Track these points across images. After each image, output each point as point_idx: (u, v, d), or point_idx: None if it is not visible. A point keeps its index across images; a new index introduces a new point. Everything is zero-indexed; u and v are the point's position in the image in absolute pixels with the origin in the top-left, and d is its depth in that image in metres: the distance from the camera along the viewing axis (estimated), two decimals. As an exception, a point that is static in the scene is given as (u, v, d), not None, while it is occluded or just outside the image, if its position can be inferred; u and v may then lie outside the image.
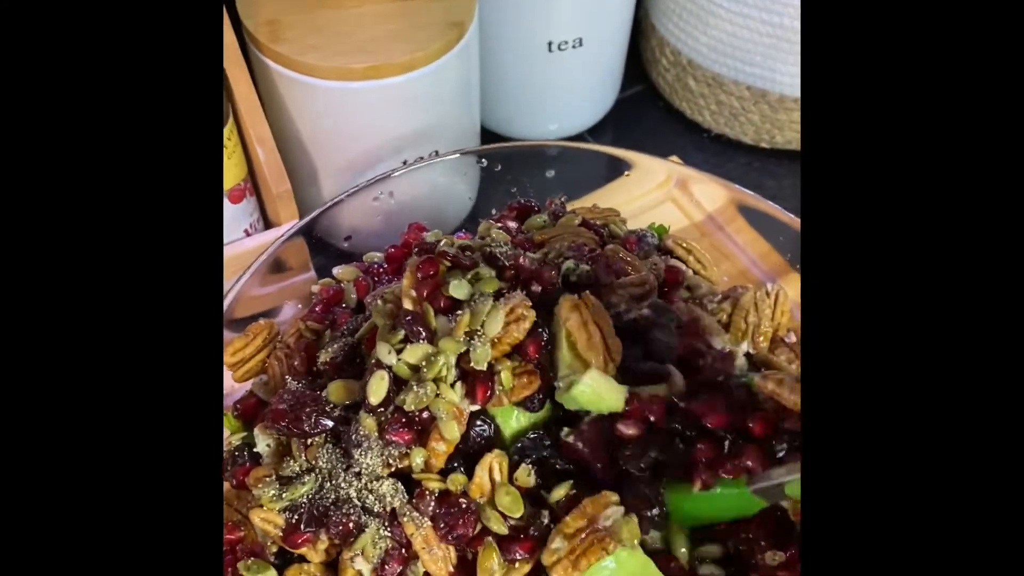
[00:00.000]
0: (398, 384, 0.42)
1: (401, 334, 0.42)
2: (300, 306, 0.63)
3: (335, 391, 0.42)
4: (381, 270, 0.54)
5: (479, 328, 0.41)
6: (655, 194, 0.70)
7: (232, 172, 0.63)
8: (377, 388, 0.40)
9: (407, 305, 0.43)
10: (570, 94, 0.86)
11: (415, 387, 0.40)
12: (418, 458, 0.41)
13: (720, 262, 0.64)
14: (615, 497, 0.38)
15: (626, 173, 0.62)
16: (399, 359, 0.41)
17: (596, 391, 0.40)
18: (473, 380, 0.41)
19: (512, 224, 0.55)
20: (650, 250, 0.53)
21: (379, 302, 0.45)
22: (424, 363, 0.41)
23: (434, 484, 0.41)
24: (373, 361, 0.42)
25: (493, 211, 0.58)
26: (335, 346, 0.46)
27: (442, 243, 0.46)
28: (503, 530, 0.39)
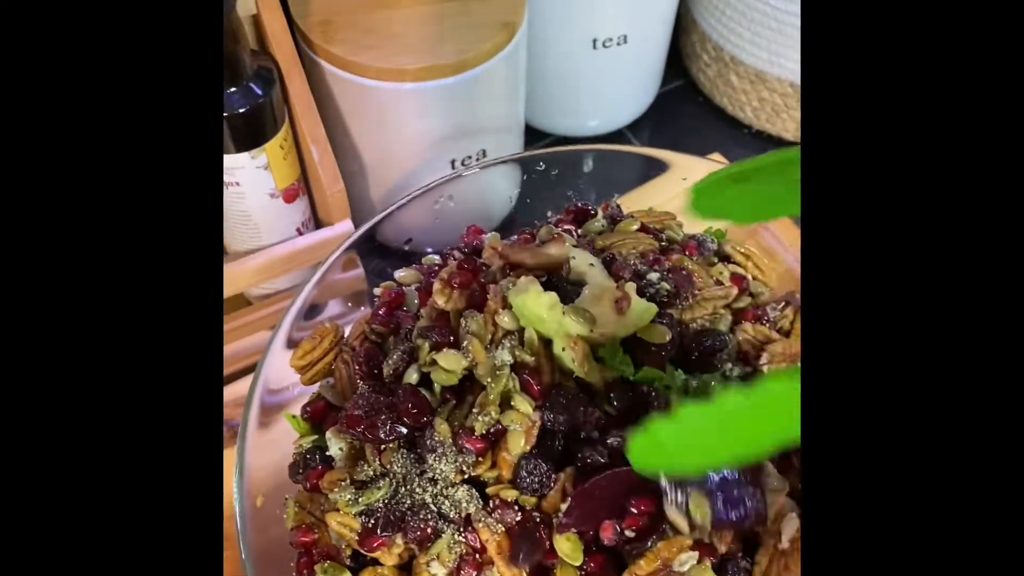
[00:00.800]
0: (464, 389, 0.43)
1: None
2: (350, 304, 0.64)
3: (442, 428, 0.42)
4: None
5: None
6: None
7: (287, 172, 0.63)
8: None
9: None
10: (612, 90, 0.86)
11: (481, 411, 0.41)
12: (489, 467, 0.42)
13: (765, 261, 0.64)
14: (689, 542, 0.39)
15: (652, 172, 0.63)
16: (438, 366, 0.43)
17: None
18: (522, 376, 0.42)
19: (569, 227, 0.56)
20: (710, 256, 0.53)
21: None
22: (489, 379, 0.42)
23: (508, 494, 0.41)
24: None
25: (549, 213, 0.59)
26: (395, 356, 0.46)
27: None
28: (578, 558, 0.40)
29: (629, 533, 0.39)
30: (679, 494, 0.39)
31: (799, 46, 0.81)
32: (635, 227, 0.53)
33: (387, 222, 0.60)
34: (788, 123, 0.88)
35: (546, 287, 0.44)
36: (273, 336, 0.53)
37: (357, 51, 0.64)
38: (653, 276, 0.46)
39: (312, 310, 0.62)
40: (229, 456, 0.54)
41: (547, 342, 0.43)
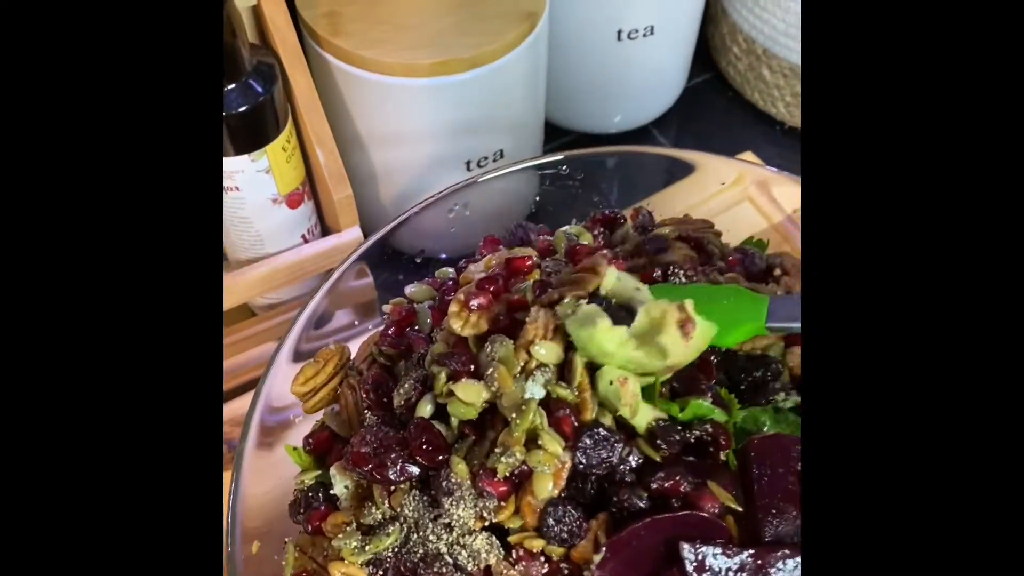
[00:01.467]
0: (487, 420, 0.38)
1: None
2: (359, 317, 0.59)
3: (459, 468, 0.38)
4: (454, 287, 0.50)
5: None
6: (730, 193, 0.66)
7: (291, 176, 0.59)
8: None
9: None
10: (637, 85, 0.81)
11: (505, 451, 0.37)
12: (512, 513, 0.37)
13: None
14: None
15: (676, 173, 0.58)
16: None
17: None
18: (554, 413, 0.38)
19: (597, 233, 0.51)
20: (757, 272, 0.48)
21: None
22: (514, 414, 0.37)
23: (533, 544, 0.37)
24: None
25: (574, 220, 0.54)
26: (407, 385, 0.41)
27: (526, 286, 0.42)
28: None
29: None
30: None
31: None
32: (673, 235, 0.48)
33: (399, 230, 0.55)
34: (824, 119, 0.83)
35: None
36: (278, 349, 0.48)
37: (366, 44, 0.60)
38: None
39: (319, 321, 0.58)
40: (226, 479, 0.50)
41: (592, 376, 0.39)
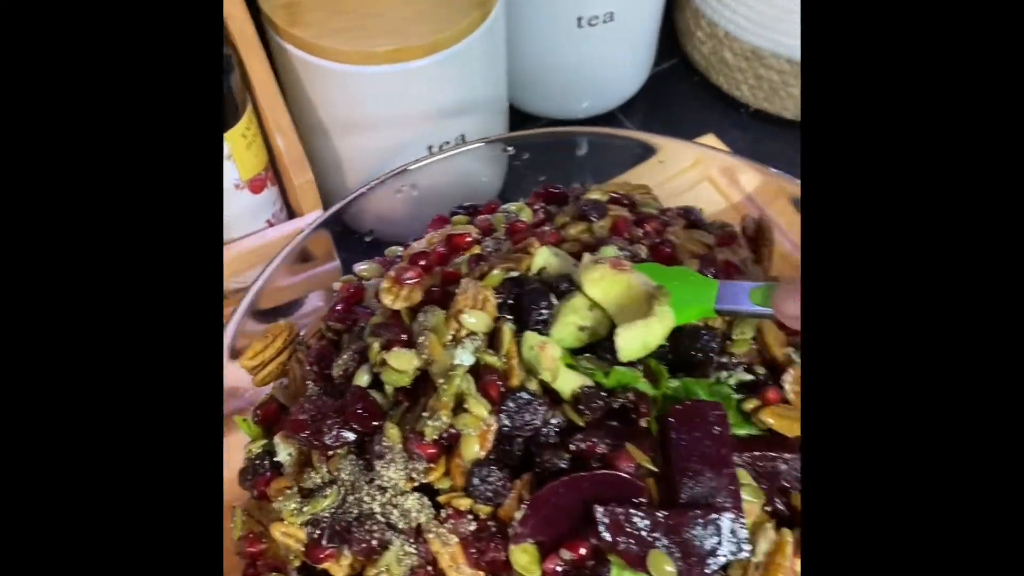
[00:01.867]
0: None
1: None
2: (324, 301, 0.61)
3: (392, 433, 0.39)
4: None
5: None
6: (691, 174, 0.68)
7: (252, 162, 0.61)
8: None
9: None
10: (601, 71, 0.83)
11: (432, 415, 0.39)
12: (441, 474, 0.39)
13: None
14: None
15: (658, 160, 0.59)
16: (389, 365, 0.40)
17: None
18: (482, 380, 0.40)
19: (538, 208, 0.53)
20: (699, 222, 0.50)
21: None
22: (442, 380, 0.39)
23: (461, 503, 0.39)
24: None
25: (521, 200, 0.56)
26: (346, 356, 0.43)
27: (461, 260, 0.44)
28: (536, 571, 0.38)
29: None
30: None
31: (796, 21, 0.77)
32: (605, 198, 0.50)
33: (356, 213, 0.57)
34: (787, 101, 0.84)
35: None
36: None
37: (324, 34, 0.61)
38: (641, 251, 0.43)
39: (293, 305, 0.60)
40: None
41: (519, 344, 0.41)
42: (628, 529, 0.36)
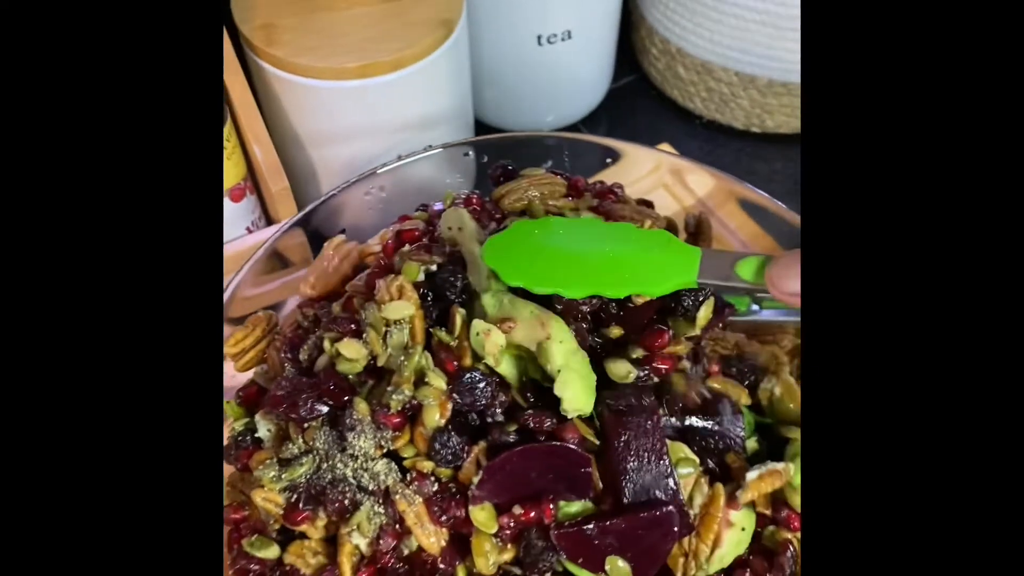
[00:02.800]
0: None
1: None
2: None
3: (361, 407, 0.44)
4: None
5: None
6: (647, 181, 0.72)
7: (232, 172, 0.65)
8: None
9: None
10: (562, 86, 0.88)
11: (396, 389, 0.43)
12: (406, 442, 0.43)
13: (713, 246, 0.66)
14: None
15: (608, 160, 0.64)
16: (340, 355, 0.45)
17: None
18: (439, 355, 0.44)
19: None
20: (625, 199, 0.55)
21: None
22: (402, 357, 0.44)
23: (424, 466, 0.43)
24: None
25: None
26: (309, 343, 0.48)
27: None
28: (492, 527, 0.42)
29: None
30: None
31: (740, 35, 0.82)
32: (540, 172, 0.55)
33: (329, 217, 0.61)
34: (736, 112, 0.90)
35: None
36: None
37: (299, 53, 0.66)
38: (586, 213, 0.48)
39: (274, 308, 0.64)
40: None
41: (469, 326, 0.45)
42: (584, 545, 0.40)
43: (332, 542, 0.44)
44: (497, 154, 0.66)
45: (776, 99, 0.86)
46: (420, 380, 0.44)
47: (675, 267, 0.43)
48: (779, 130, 0.90)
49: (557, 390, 0.41)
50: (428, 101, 0.71)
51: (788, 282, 0.33)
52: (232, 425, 0.49)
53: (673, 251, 0.44)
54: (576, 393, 0.42)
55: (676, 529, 0.41)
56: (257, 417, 0.47)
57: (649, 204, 0.59)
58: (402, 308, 0.44)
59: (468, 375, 0.43)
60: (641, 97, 0.97)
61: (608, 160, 0.65)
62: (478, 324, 0.44)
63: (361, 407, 0.43)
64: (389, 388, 0.43)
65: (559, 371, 0.42)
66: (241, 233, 0.69)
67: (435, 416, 0.43)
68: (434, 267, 0.46)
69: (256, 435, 0.47)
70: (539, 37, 0.81)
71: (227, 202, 0.66)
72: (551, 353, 0.42)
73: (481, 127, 0.89)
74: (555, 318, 0.43)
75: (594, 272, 0.44)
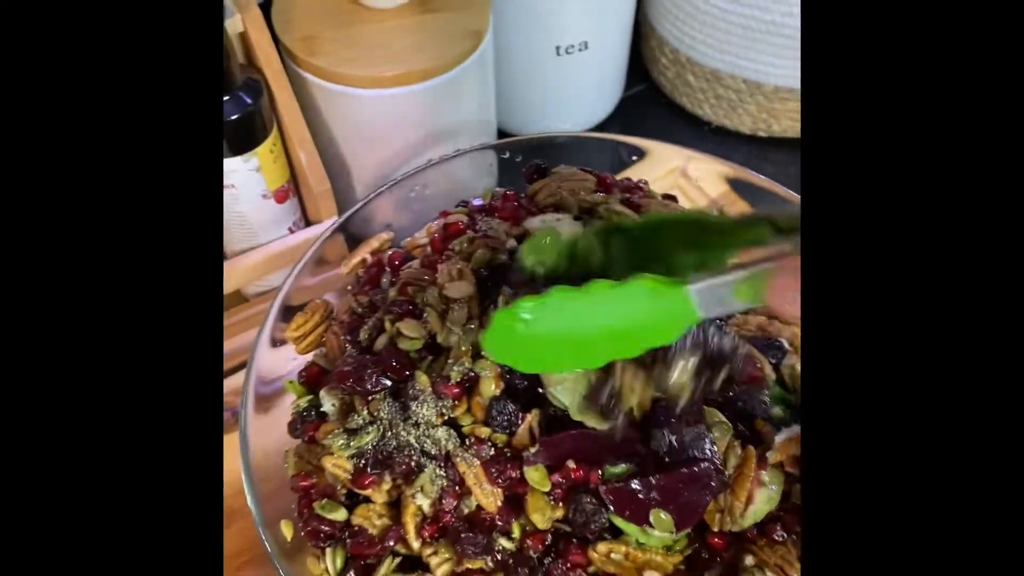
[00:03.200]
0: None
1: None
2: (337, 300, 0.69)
3: (422, 379, 0.48)
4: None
5: None
6: (660, 184, 0.77)
7: (277, 174, 0.69)
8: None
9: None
10: (577, 94, 0.93)
11: (456, 362, 0.47)
12: (465, 411, 0.47)
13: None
14: None
15: (634, 158, 0.68)
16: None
17: None
18: None
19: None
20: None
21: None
22: (461, 332, 0.48)
23: (481, 432, 0.47)
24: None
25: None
26: (368, 325, 0.52)
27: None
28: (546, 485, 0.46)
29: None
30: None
31: (747, 44, 0.87)
32: (572, 169, 0.59)
33: (365, 216, 0.65)
34: (744, 117, 0.94)
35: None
36: (259, 334, 0.57)
37: (338, 63, 0.70)
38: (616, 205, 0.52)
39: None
40: (232, 439, 0.59)
41: None
42: (630, 500, 0.44)
43: (395, 506, 0.48)
44: (525, 156, 0.71)
45: (782, 104, 0.91)
46: (477, 354, 0.48)
47: (674, 312, 0.39)
48: (785, 134, 0.94)
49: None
50: (457, 108, 0.76)
51: (789, 308, 0.32)
52: (296, 402, 0.53)
53: (661, 295, 0.39)
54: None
55: (713, 484, 0.45)
56: (322, 393, 0.51)
57: (673, 199, 0.64)
58: (462, 288, 0.48)
59: None
60: (652, 105, 1.02)
61: (634, 158, 0.69)
62: None
63: (423, 379, 0.47)
64: (449, 361, 0.47)
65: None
66: (284, 233, 0.73)
67: (491, 386, 0.47)
68: (503, 257, 0.51)
69: (321, 410, 0.51)
70: (558, 48, 0.86)
71: (272, 203, 0.70)
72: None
73: (502, 133, 0.93)
74: None
75: (603, 346, 0.42)
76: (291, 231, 0.74)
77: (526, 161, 0.64)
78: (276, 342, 0.59)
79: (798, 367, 0.52)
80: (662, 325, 0.40)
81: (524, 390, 0.47)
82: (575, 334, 0.41)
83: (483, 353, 0.47)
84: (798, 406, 0.51)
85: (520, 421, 0.47)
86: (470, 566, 0.45)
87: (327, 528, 0.47)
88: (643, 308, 0.39)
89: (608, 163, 0.74)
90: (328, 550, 0.47)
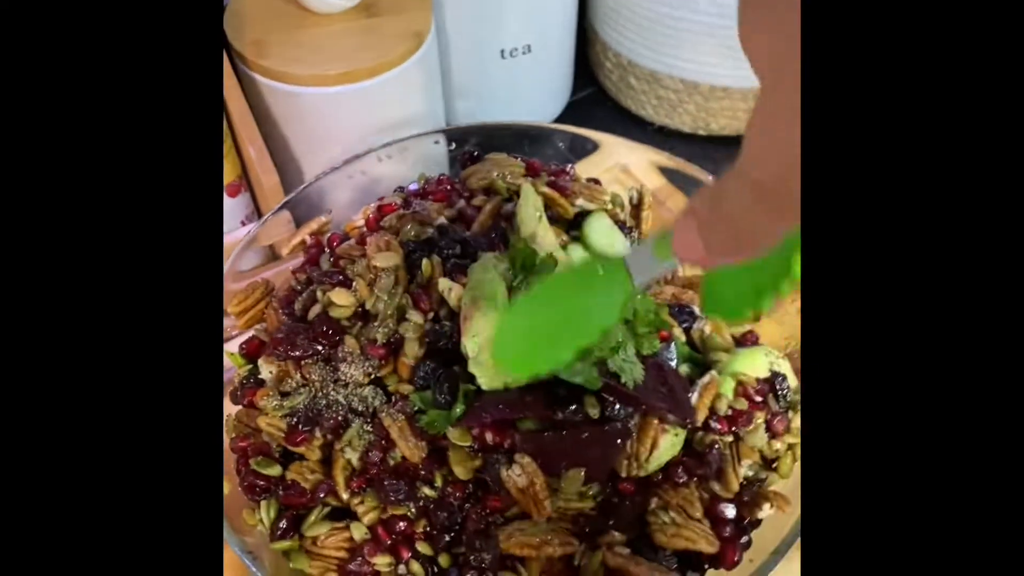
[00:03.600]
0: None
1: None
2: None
3: (350, 342, 0.52)
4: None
5: None
6: (602, 178, 0.81)
7: (228, 170, 0.73)
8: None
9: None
10: (524, 96, 0.97)
11: (381, 324, 0.51)
12: (390, 371, 0.51)
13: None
14: None
15: (586, 156, 0.73)
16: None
17: None
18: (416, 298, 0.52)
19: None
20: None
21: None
22: (386, 297, 0.51)
23: (405, 389, 0.50)
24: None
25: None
26: (303, 296, 0.56)
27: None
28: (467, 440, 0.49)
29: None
30: None
31: (685, 46, 0.92)
32: (502, 156, 0.63)
33: (309, 204, 0.69)
34: (684, 116, 0.99)
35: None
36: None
37: (285, 63, 0.74)
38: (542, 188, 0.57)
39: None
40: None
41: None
42: (542, 449, 0.48)
43: (327, 463, 0.51)
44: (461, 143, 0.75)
45: (718, 103, 0.95)
46: (402, 317, 0.51)
47: (616, 288, 0.41)
48: (723, 132, 0.99)
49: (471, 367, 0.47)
50: (403, 106, 0.80)
51: (688, 250, 0.33)
52: (238, 372, 0.56)
53: (606, 275, 0.42)
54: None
55: (620, 442, 0.48)
56: (260, 362, 0.54)
57: (596, 182, 0.68)
58: (388, 258, 0.52)
59: (434, 323, 0.51)
60: (598, 107, 1.06)
61: (590, 150, 0.73)
62: (443, 282, 0.52)
63: (351, 342, 0.51)
64: (375, 323, 0.51)
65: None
66: (236, 226, 0.76)
67: (415, 347, 0.50)
68: (430, 231, 0.54)
69: (259, 377, 0.55)
70: (502, 51, 0.90)
71: (225, 198, 0.74)
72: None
73: (452, 135, 0.97)
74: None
75: (567, 334, 0.43)
76: (243, 224, 0.77)
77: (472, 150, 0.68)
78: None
79: (707, 329, 0.56)
80: (606, 302, 0.42)
81: (446, 350, 0.51)
82: (547, 325, 0.43)
83: (407, 316, 0.51)
84: (705, 363, 0.55)
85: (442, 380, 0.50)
86: (394, 512, 0.48)
87: (262, 483, 0.51)
88: (590, 288, 0.42)
89: (550, 159, 0.78)
90: (263, 502, 0.50)
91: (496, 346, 0.44)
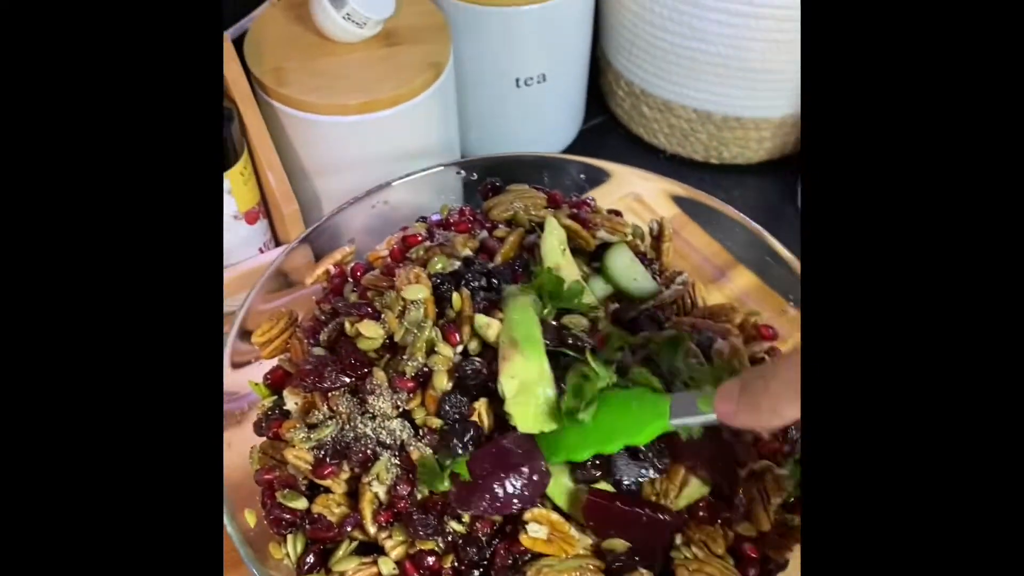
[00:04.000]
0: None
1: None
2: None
3: (379, 375, 0.52)
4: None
5: None
6: (615, 207, 0.81)
7: (247, 197, 0.73)
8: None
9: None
10: (538, 124, 0.97)
11: (410, 357, 0.51)
12: (419, 404, 0.51)
13: (678, 262, 0.74)
14: None
15: (599, 185, 0.73)
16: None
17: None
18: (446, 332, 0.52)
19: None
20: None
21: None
22: (416, 329, 0.51)
23: (434, 423, 0.50)
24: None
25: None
26: (329, 327, 0.56)
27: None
28: None
29: None
30: None
31: (699, 76, 0.92)
32: (524, 187, 0.63)
33: (335, 236, 0.69)
34: (696, 145, 0.99)
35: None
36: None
37: (305, 92, 0.75)
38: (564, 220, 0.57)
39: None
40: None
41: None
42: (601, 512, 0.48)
43: (353, 496, 0.51)
44: (483, 175, 0.75)
45: (730, 132, 0.96)
46: (431, 350, 0.51)
47: (650, 415, 0.47)
48: (735, 161, 1.00)
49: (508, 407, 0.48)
50: (420, 136, 0.80)
51: (724, 413, 0.42)
52: (262, 403, 0.56)
53: (648, 402, 0.48)
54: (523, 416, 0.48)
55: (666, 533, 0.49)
56: (285, 393, 0.54)
57: (618, 213, 0.68)
58: (418, 291, 0.52)
59: (463, 360, 0.51)
60: (609, 135, 1.07)
61: (582, 176, 0.73)
62: (480, 318, 0.52)
63: (379, 374, 0.51)
64: (404, 357, 0.51)
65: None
66: (254, 253, 0.76)
67: (444, 380, 0.50)
68: (456, 264, 0.54)
69: (284, 408, 0.55)
70: (517, 80, 0.91)
71: (243, 224, 0.74)
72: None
73: (465, 163, 0.97)
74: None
75: (594, 437, 0.48)
76: (261, 251, 0.77)
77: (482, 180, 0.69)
78: (235, 364, 0.61)
79: (725, 350, 0.56)
80: (639, 425, 0.47)
81: (474, 385, 0.51)
82: (595, 426, 0.48)
83: (436, 349, 0.51)
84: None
85: (470, 412, 0.50)
86: (423, 547, 0.48)
87: (288, 516, 0.50)
88: (631, 410, 0.48)
89: (566, 188, 0.79)
90: (289, 536, 0.50)
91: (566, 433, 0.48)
